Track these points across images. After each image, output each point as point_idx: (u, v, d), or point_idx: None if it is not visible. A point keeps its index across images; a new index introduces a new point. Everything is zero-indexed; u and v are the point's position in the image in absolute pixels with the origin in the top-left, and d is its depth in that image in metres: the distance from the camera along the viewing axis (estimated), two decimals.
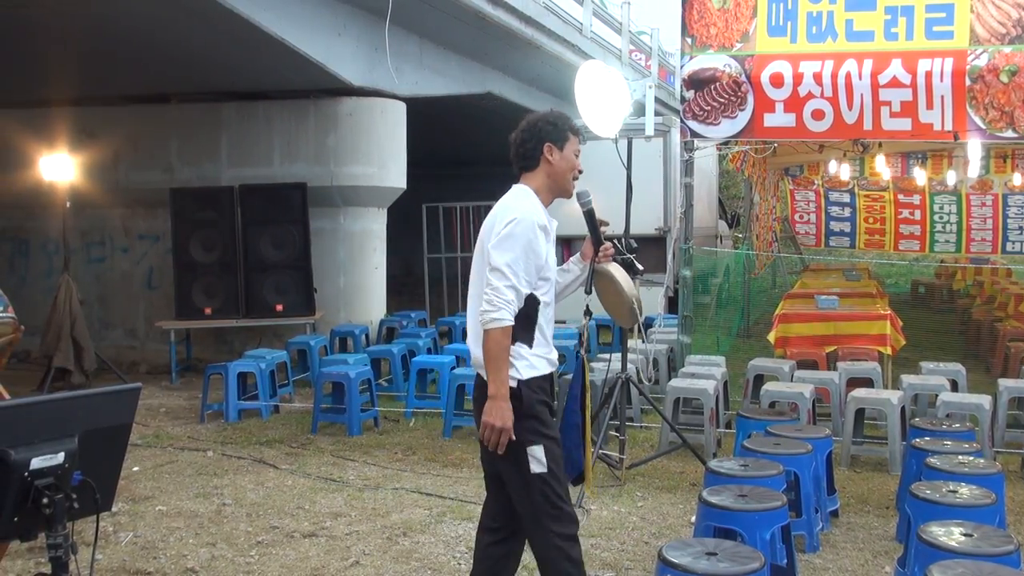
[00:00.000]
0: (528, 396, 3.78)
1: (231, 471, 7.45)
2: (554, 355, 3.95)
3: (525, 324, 3.80)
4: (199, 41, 9.98)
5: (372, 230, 12.36)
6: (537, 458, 3.77)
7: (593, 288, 4.19)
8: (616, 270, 4.23)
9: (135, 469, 7.43)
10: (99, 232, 12.75)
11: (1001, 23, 6.66)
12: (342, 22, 10.77)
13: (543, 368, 3.86)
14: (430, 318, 13.85)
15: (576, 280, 4.16)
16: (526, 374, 3.79)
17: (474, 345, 3.88)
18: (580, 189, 4.09)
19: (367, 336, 11.82)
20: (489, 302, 3.68)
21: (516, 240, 3.73)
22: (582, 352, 4.22)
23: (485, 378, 3.77)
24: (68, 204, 11.06)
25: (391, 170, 12.13)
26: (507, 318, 3.68)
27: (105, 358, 11.17)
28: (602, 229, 4.15)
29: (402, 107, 12.24)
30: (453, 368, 8.98)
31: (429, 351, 10.91)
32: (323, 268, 11.80)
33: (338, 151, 11.78)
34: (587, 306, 4.22)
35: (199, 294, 11.45)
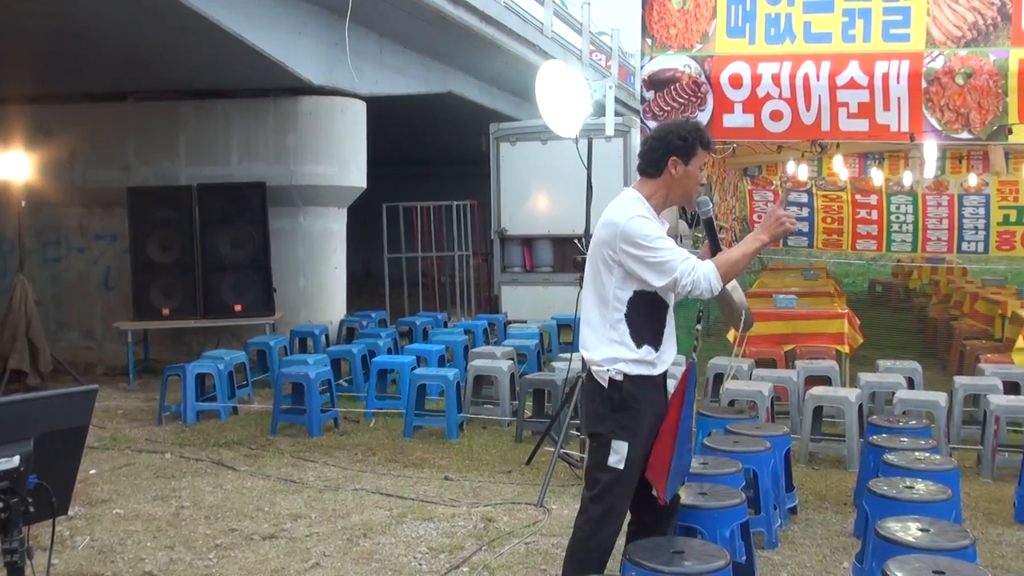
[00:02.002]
0: (629, 391, 3.89)
1: (189, 473, 7.39)
2: (666, 357, 4.03)
3: (654, 326, 3.95)
4: (157, 38, 9.87)
5: (332, 230, 12.29)
6: (619, 453, 3.88)
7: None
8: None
9: (92, 472, 7.35)
10: (55, 232, 12.57)
11: (957, 26, 6.74)
12: (302, 20, 10.71)
13: (653, 370, 3.96)
14: (390, 318, 13.81)
15: None
16: (634, 371, 3.90)
17: (588, 349, 4.01)
18: (700, 198, 4.11)
19: (327, 336, 11.77)
20: (686, 284, 3.78)
21: (637, 237, 3.84)
22: (694, 357, 4.24)
23: (596, 376, 3.95)
24: (23, 203, 10.91)
25: (351, 170, 12.09)
26: (701, 268, 3.80)
27: (61, 359, 11.02)
28: (721, 237, 4.19)
29: (362, 106, 12.19)
30: (414, 368, 8.97)
31: (389, 351, 10.87)
32: (282, 268, 11.72)
33: (298, 150, 11.71)
34: (699, 312, 4.22)
35: (157, 294, 11.33)
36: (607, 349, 3.93)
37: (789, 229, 3.90)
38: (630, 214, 3.90)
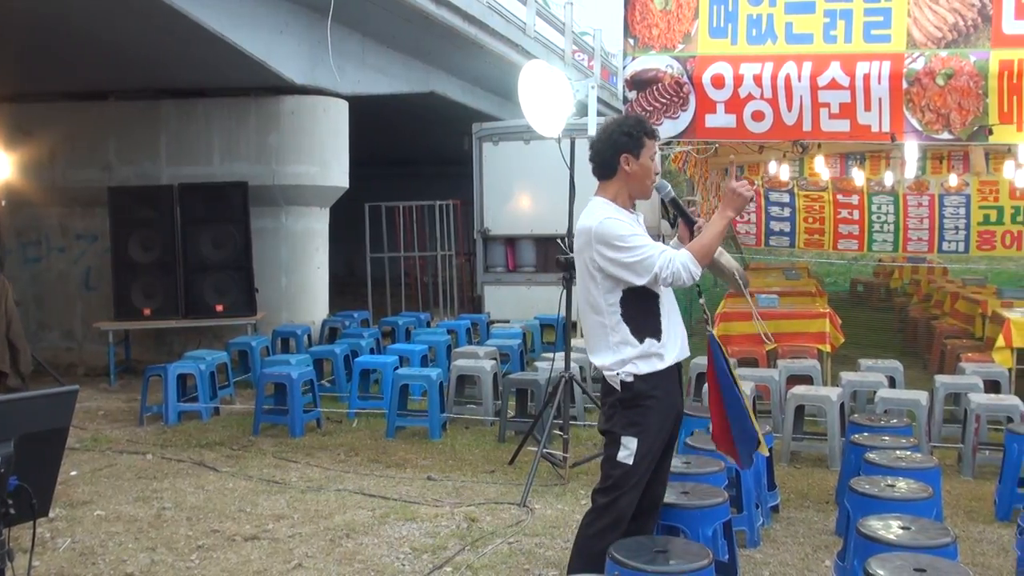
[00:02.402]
0: (640, 389, 3.96)
1: (171, 474, 7.36)
2: (673, 344, 4.06)
3: (650, 319, 4.00)
4: (138, 37, 9.83)
5: (314, 229, 12.27)
6: (628, 448, 3.95)
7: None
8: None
9: (73, 473, 7.31)
10: (35, 231, 12.48)
11: (938, 27, 6.77)
12: (283, 19, 10.68)
13: (663, 363, 4.01)
14: (373, 318, 13.80)
15: None
16: (644, 369, 3.96)
17: (594, 357, 4.12)
18: (657, 183, 4.17)
19: (309, 336, 11.74)
20: (666, 277, 3.88)
21: (610, 239, 3.91)
22: (709, 328, 4.31)
23: (608, 381, 4.03)
24: (3, 203, 10.86)
25: (333, 169, 12.06)
26: (678, 258, 3.88)
27: (42, 360, 10.96)
28: (691, 211, 4.27)
29: (344, 106, 12.17)
30: (396, 368, 8.94)
31: (372, 351, 10.86)
32: (265, 268, 11.69)
33: (280, 150, 11.68)
34: (698, 288, 4.29)
35: (138, 294, 11.28)
36: (613, 353, 4.00)
37: (747, 196, 3.96)
38: (600, 217, 3.96)
